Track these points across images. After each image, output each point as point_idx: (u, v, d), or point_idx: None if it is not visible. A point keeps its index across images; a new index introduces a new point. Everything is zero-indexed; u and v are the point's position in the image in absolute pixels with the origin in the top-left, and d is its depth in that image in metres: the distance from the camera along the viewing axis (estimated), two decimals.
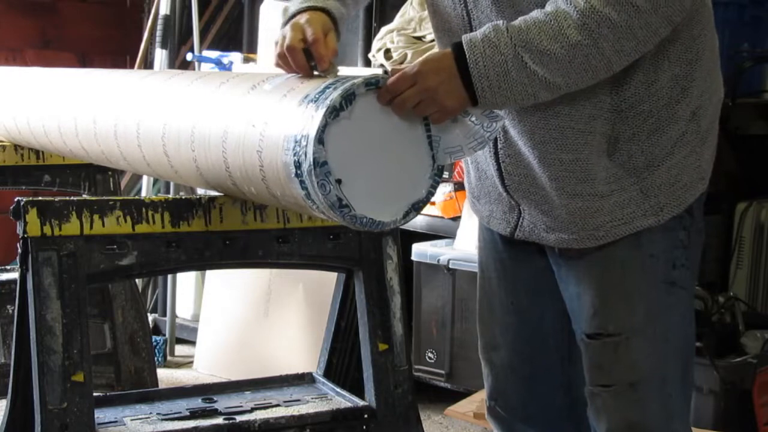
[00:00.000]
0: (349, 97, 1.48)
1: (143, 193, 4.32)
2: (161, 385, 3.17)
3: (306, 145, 1.46)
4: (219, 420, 1.88)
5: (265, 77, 1.69)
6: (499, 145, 1.72)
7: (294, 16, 1.66)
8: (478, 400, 3.14)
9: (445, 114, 1.54)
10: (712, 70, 1.70)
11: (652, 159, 1.65)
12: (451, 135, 1.57)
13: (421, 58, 1.57)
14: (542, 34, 1.50)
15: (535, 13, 1.53)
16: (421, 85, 1.51)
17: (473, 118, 1.57)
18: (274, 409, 1.96)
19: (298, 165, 1.47)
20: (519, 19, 1.54)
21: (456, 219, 3.57)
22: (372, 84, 1.50)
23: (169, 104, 1.86)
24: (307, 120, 1.47)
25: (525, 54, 1.50)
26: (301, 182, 1.48)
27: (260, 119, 1.58)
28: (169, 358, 4.19)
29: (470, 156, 1.74)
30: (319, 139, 1.45)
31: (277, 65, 1.66)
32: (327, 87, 1.51)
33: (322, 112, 1.46)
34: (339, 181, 1.48)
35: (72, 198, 1.79)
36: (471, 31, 1.66)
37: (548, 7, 1.53)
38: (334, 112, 1.46)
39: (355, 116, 1.48)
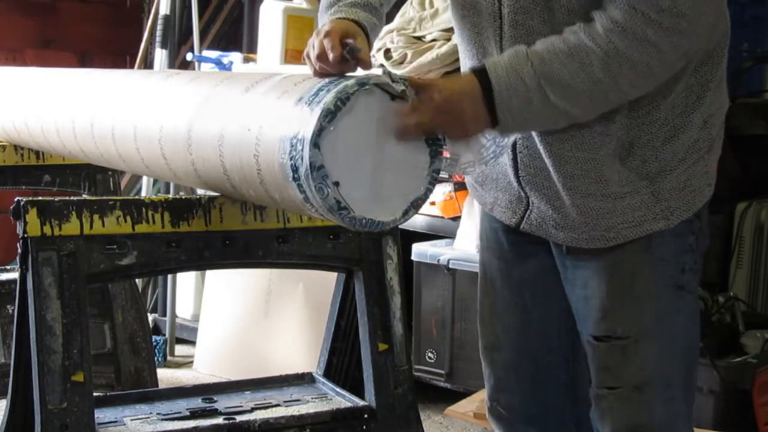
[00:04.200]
0: (342, 99, 1.47)
1: (143, 193, 4.32)
2: (161, 385, 3.17)
3: (302, 149, 1.46)
4: (219, 420, 1.88)
5: (258, 78, 1.69)
6: (518, 136, 1.73)
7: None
8: (478, 400, 3.14)
9: (465, 136, 1.58)
10: (722, 80, 1.72)
11: (664, 165, 1.67)
12: (466, 150, 1.59)
13: (444, 85, 1.57)
14: (564, 68, 1.52)
15: (558, 43, 1.54)
16: (450, 114, 1.54)
17: (486, 135, 1.60)
18: (274, 409, 1.96)
19: (295, 169, 1.47)
20: (539, 44, 1.55)
21: (456, 219, 3.56)
22: (365, 84, 1.50)
23: (165, 106, 1.86)
24: (302, 124, 1.47)
25: (547, 86, 1.53)
26: (299, 186, 1.48)
27: (255, 123, 1.58)
28: (169, 358, 4.19)
29: (480, 169, 1.75)
30: (315, 144, 1.45)
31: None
32: (320, 89, 1.51)
33: (316, 115, 1.45)
34: (336, 184, 1.48)
35: (72, 198, 1.79)
36: (500, 12, 1.65)
37: (570, 37, 1.54)
38: (328, 116, 1.46)
39: (350, 118, 1.48)
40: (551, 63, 1.53)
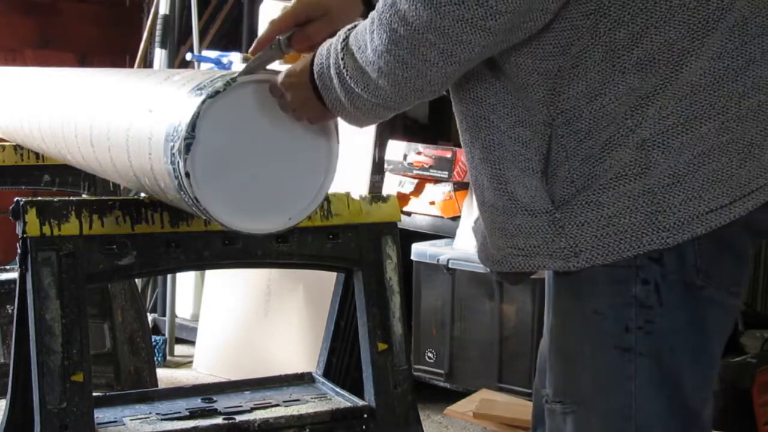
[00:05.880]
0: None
1: (143, 194, 4.31)
2: (161, 385, 3.17)
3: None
4: (218, 420, 1.88)
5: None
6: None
7: None
8: (477, 400, 3.14)
9: (317, 121, 1.56)
10: (703, 93, 1.27)
11: (581, 187, 1.32)
12: None
13: (287, 69, 1.59)
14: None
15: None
16: (290, 99, 1.55)
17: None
18: (273, 408, 1.96)
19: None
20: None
21: (456, 219, 3.57)
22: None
23: (158, 113, 1.83)
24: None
25: (349, 80, 1.38)
26: None
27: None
28: (168, 358, 4.19)
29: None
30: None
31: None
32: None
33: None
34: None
35: (71, 198, 1.78)
36: None
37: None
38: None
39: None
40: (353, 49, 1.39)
